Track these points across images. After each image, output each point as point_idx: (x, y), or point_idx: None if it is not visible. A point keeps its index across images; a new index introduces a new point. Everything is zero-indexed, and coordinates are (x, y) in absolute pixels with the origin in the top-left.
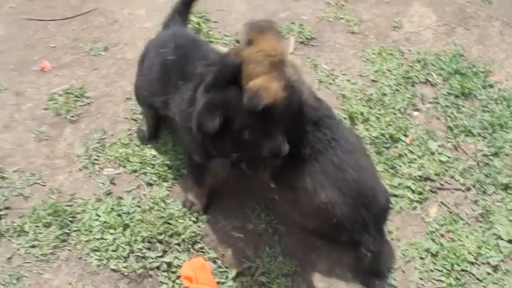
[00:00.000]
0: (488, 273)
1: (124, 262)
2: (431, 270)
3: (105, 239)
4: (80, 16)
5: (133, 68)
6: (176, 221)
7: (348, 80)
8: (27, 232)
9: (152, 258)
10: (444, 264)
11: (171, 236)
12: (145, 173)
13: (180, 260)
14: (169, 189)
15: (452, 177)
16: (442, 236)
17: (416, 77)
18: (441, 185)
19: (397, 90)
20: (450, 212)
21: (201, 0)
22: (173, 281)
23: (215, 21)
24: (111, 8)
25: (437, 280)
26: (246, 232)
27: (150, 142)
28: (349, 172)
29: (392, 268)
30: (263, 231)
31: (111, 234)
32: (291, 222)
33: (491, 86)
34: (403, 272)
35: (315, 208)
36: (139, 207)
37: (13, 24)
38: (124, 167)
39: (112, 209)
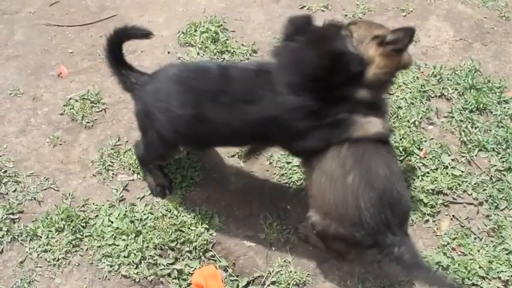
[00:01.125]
0: None
1: (135, 268)
2: None
3: (117, 245)
4: (99, 22)
5: None
6: (188, 228)
7: None
8: (40, 236)
9: (163, 265)
10: (455, 278)
11: (182, 243)
12: None
13: (191, 267)
14: (182, 196)
15: (465, 191)
16: (454, 249)
17: (432, 91)
18: (453, 199)
19: (412, 103)
20: (462, 226)
21: (219, 10)
22: None
23: (233, 31)
24: (131, 15)
25: None
26: (258, 241)
27: (172, 192)
28: (382, 167)
29: (403, 280)
30: (275, 241)
31: (123, 240)
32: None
33: (506, 102)
34: (414, 284)
35: (340, 196)
36: (152, 214)
37: (32, 29)
38: (138, 173)
39: (125, 215)
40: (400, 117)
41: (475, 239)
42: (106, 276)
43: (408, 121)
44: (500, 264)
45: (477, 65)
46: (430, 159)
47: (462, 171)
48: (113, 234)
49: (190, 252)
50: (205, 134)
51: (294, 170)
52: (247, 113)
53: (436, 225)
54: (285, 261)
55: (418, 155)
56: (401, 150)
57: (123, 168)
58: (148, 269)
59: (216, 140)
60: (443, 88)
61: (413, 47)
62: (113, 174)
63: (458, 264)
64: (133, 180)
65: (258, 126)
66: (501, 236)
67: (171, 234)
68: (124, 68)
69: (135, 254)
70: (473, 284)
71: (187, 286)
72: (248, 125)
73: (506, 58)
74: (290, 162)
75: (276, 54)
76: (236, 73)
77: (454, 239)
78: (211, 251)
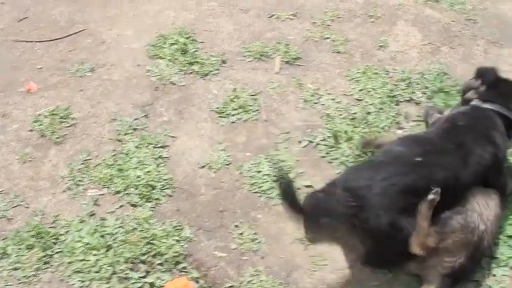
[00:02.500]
0: None
1: (107, 283)
2: None
3: (87, 261)
4: (68, 37)
5: (119, 89)
6: (159, 241)
7: (333, 99)
8: (10, 254)
9: (135, 279)
10: None
11: (154, 256)
12: (128, 194)
13: (163, 280)
14: (152, 209)
15: None
16: None
17: (401, 95)
18: None
19: (381, 109)
20: None
21: (188, 21)
22: None
23: (202, 42)
24: (100, 28)
25: None
26: (229, 251)
27: None
28: None
29: (376, 285)
30: (246, 250)
31: (94, 255)
32: (275, 240)
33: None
34: None
35: None
36: (122, 228)
37: (0, 46)
38: (108, 187)
39: (95, 230)
40: (369, 122)
41: None
42: None
43: (377, 126)
44: None
45: (445, 68)
46: None
47: None
48: (83, 250)
49: (161, 264)
50: None
51: (265, 179)
52: None
53: None
54: (256, 270)
55: None
56: (370, 155)
57: (93, 183)
58: (120, 284)
59: None
60: (412, 92)
61: (382, 52)
62: (83, 189)
63: None
64: (103, 194)
65: None
66: None
67: (142, 247)
68: None
69: (106, 269)
70: None
71: None
72: None
73: (474, 61)
74: (260, 171)
75: None
76: None
77: None
78: (182, 262)
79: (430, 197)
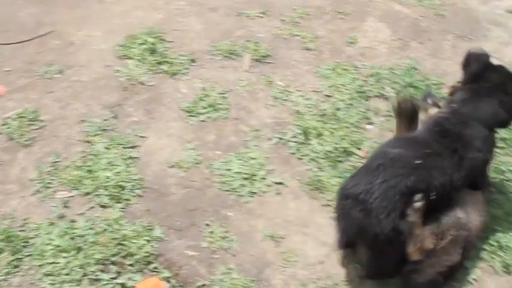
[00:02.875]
0: None
1: (77, 286)
2: None
3: (57, 263)
4: (36, 39)
5: (87, 90)
6: (130, 241)
7: (302, 96)
8: None
9: (106, 280)
10: None
11: (124, 257)
12: (98, 195)
13: (134, 280)
14: (122, 210)
15: None
16: None
17: (370, 91)
18: None
19: (351, 104)
20: None
21: (157, 21)
22: None
23: (171, 41)
24: (68, 30)
25: None
26: (200, 250)
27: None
28: None
29: (346, 280)
30: (217, 249)
31: (64, 257)
32: (246, 238)
33: (444, 98)
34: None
35: None
36: (92, 229)
37: None
38: (77, 189)
39: (65, 232)
40: (339, 118)
41: None
42: None
43: (347, 122)
44: None
45: (414, 63)
46: None
47: None
48: (53, 253)
49: (132, 265)
50: None
51: (235, 177)
52: None
53: None
54: (227, 268)
55: (358, 155)
56: (341, 151)
57: (63, 185)
58: (91, 285)
59: None
60: (381, 88)
61: (351, 48)
62: (53, 191)
63: None
64: (73, 196)
65: None
66: None
67: (112, 248)
68: None
69: (76, 271)
70: None
71: None
72: None
73: (443, 55)
74: (230, 169)
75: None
76: None
77: None
78: (153, 262)
79: (417, 205)
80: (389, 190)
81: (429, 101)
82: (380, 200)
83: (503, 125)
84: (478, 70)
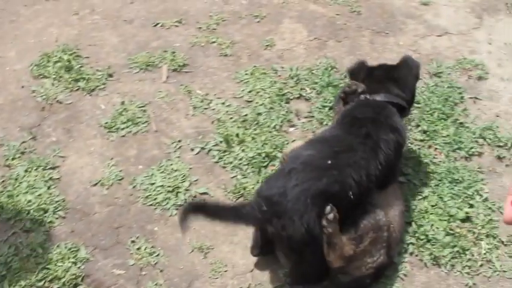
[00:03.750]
0: None
1: None
2: None
3: None
4: None
5: (4, 112)
6: (55, 265)
7: (223, 103)
8: None
9: None
10: None
11: (51, 281)
12: (20, 220)
13: None
14: (46, 233)
15: None
16: None
17: (291, 93)
18: None
19: (272, 108)
20: None
21: (72, 37)
22: None
23: (87, 57)
24: None
25: None
26: (127, 268)
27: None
28: None
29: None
30: (145, 265)
31: None
32: (174, 252)
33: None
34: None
35: None
36: (16, 255)
37: None
38: None
39: None
40: (260, 123)
41: None
42: None
43: (269, 126)
44: None
45: (333, 62)
46: None
47: None
48: None
49: None
50: None
51: (159, 191)
52: None
53: None
54: (156, 284)
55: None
56: (264, 156)
57: None
58: None
59: None
60: (301, 89)
61: (269, 51)
62: None
63: None
64: None
65: None
66: None
67: (37, 273)
68: None
69: None
70: None
71: None
72: None
73: (360, 52)
74: (154, 183)
75: None
76: None
77: None
78: (80, 284)
79: (330, 216)
80: (301, 194)
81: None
82: (293, 204)
83: (405, 107)
84: (366, 72)
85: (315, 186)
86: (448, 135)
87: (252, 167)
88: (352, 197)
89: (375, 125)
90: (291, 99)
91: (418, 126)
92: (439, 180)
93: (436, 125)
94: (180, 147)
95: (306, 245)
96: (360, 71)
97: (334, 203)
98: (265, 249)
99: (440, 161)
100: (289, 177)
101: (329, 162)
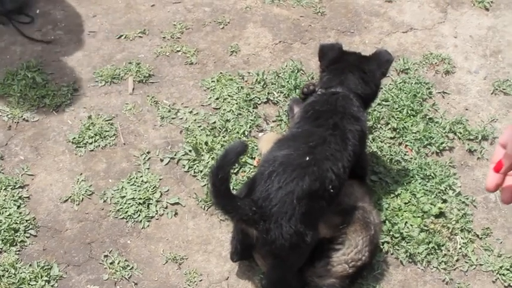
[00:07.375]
0: None
1: None
2: None
3: None
4: None
5: None
6: (28, 284)
7: (190, 112)
8: None
9: None
10: None
11: None
12: None
13: None
14: (18, 253)
15: None
16: None
17: (258, 98)
18: None
19: (240, 114)
20: None
21: (35, 54)
22: None
23: (51, 73)
24: None
25: None
26: (101, 283)
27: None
28: None
29: None
30: (119, 279)
31: None
32: (147, 264)
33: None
34: None
35: None
36: None
37: None
38: None
39: None
40: (229, 130)
41: None
42: None
43: (238, 132)
44: None
45: (299, 64)
46: None
47: None
48: None
49: None
50: None
51: (129, 204)
52: None
53: None
54: None
55: (252, 164)
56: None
57: None
58: None
59: None
60: (268, 93)
61: (234, 57)
62: None
63: None
64: None
65: None
66: None
67: None
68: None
69: None
70: None
71: None
72: None
73: None
74: (124, 196)
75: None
76: None
77: None
78: None
79: None
80: (287, 196)
81: (295, 108)
82: (279, 207)
83: (368, 99)
84: (335, 55)
85: (299, 186)
86: (418, 132)
87: None
88: (332, 190)
89: (338, 116)
90: (259, 104)
91: (387, 124)
92: (411, 177)
93: (406, 122)
94: (149, 158)
95: (291, 248)
96: (329, 52)
97: (317, 198)
98: (244, 255)
99: (411, 158)
100: (271, 181)
101: (307, 158)
